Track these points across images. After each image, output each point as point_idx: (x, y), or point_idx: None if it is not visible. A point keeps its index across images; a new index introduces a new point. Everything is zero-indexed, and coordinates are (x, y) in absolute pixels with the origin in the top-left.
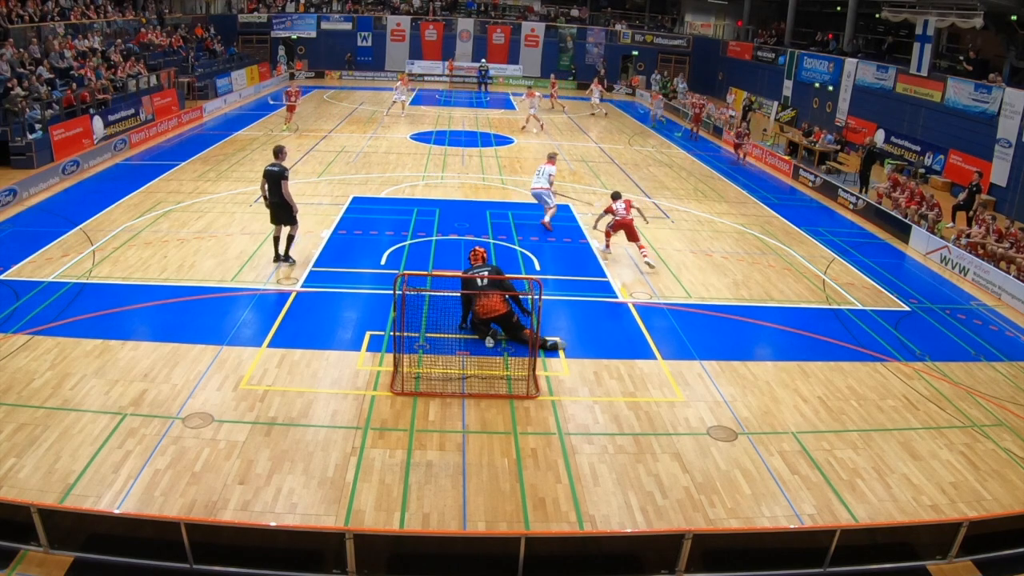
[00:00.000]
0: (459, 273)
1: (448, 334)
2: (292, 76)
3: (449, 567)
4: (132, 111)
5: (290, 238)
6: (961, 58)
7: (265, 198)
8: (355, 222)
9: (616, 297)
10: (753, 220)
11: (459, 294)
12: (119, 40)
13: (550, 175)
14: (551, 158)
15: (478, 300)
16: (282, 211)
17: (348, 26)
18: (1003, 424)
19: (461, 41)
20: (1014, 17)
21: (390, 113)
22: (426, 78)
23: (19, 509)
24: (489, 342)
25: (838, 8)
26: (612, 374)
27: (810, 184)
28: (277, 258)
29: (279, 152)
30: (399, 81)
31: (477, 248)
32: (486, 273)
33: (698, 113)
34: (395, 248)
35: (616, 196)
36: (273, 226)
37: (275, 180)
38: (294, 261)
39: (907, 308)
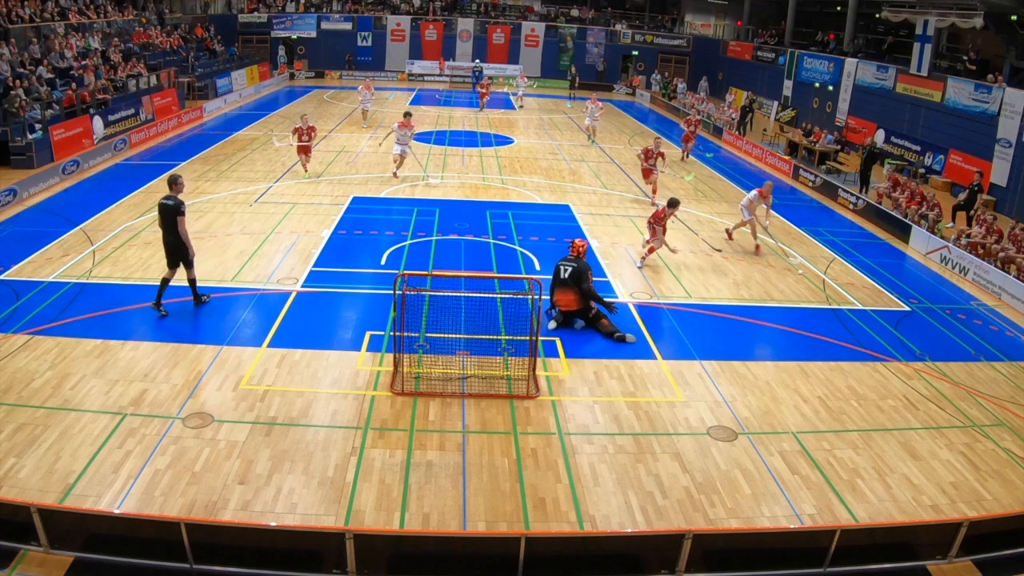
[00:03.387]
0: (465, 272)
1: (448, 334)
2: (292, 76)
3: (449, 567)
4: (132, 111)
5: (192, 281)
6: (964, 58)
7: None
8: (355, 222)
9: (616, 297)
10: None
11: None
12: (116, 39)
13: (750, 199)
14: (766, 186)
15: (557, 290)
16: (178, 252)
17: (348, 26)
18: (1003, 424)
19: (461, 41)
20: (1014, 17)
21: (368, 124)
22: (426, 78)
23: (19, 509)
24: (551, 324)
25: (838, 8)
26: (612, 374)
27: (810, 184)
28: (158, 304)
29: (174, 182)
30: (361, 86)
31: (576, 240)
32: (571, 269)
33: (692, 131)
34: (395, 248)
35: (673, 204)
36: (168, 270)
37: (170, 216)
38: (209, 296)
39: (907, 308)
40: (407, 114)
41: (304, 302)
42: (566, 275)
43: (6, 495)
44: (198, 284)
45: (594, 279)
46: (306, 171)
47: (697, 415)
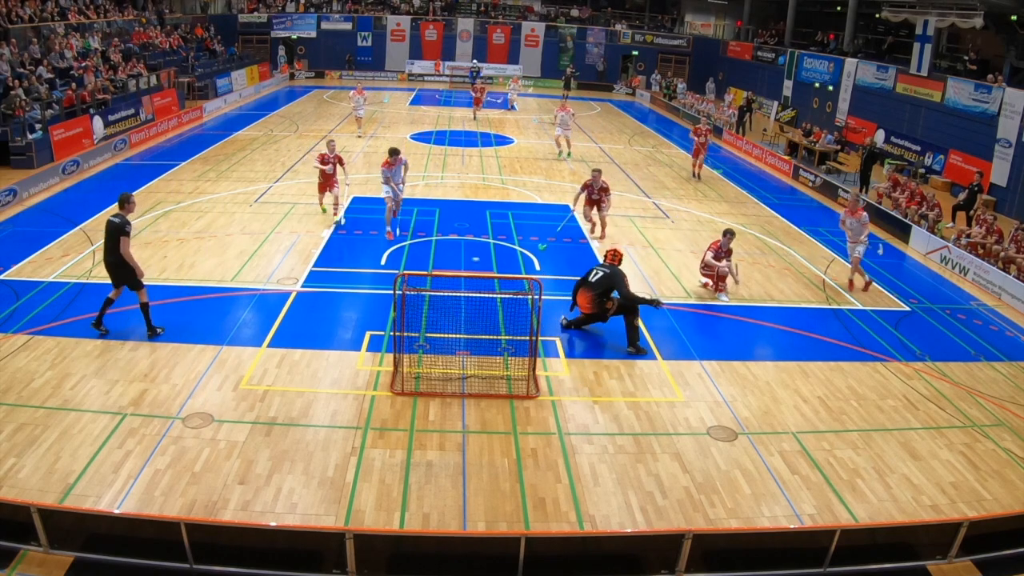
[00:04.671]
0: (465, 272)
1: (448, 334)
2: (292, 76)
3: (449, 567)
4: (132, 111)
5: (144, 306)
6: (964, 58)
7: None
8: (355, 222)
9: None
10: (753, 220)
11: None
12: (116, 39)
13: (842, 221)
14: (850, 200)
15: (580, 290)
16: (121, 272)
17: (348, 26)
18: (1003, 424)
19: (461, 41)
20: (1014, 17)
21: (362, 132)
22: (426, 78)
23: (19, 509)
24: (562, 320)
25: (838, 8)
26: (612, 374)
27: (810, 184)
28: (98, 323)
29: (126, 201)
30: (354, 92)
31: (610, 250)
32: (602, 274)
33: (703, 141)
34: (395, 248)
35: (729, 235)
36: (114, 288)
37: (113, 234)
38: (162, 329)
39: (907, 308)
40: (393, 151)
41: (304, 302)
42: (594, 279)
43: (6, 495)
44: (201, 284)
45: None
46: (322, 205)
47: (697, 415)
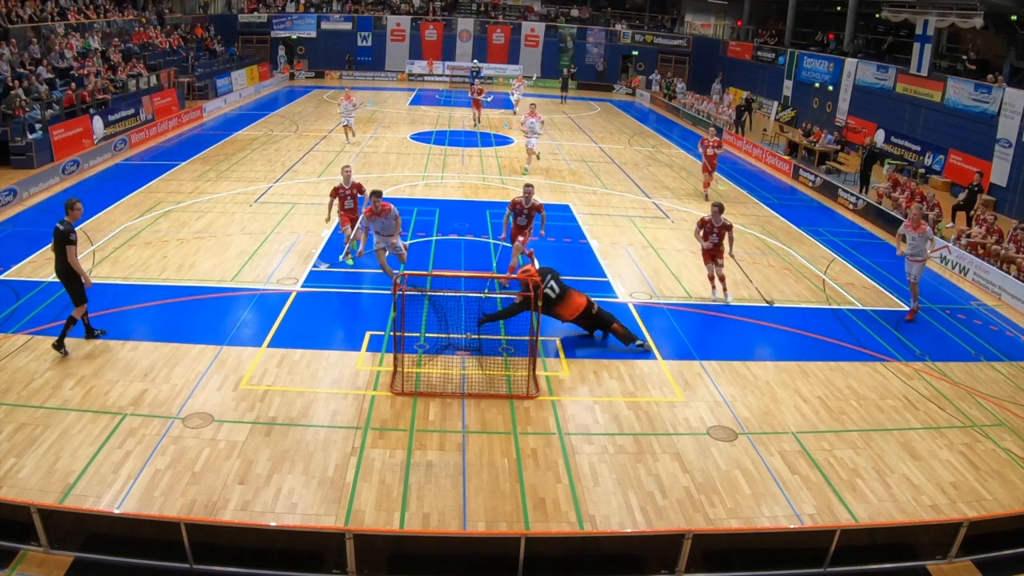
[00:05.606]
0: (464, 273)
1: (448, 334)
2: (292, 76)
3: (449, 567)
4: (132, 111)
5: (71, 320)
6: (964, 58)
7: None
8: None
9: (616, 297)
10: (753, 220)
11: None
12: (116, 39)
13: (902, 237)
14: (911, 216)
15: (558, 308)
16: (67, 282)
17: (348, 26)
18: (1003, 424)
19: (461, 41)
20: (1014, 17)
21: (351, 141)
22: (426, 78)
23: (19, 509)
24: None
25: (838, 8)
26: (612, 374)
27: (810, 184)
28: (89, 334)
29: (71, 207)
30: (343, 98)
31: (524, 270)
32: (553, 280)
33: (714, 155)
34: None
35: (717, 208)
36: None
37: (58, 242)
38: (66, 352)
39: (907, 308)
40: (375, 193)
41: (304, 302)
42: (556, 291)
43: (6, 495)
44: (201, 284)
45: (593, 279)
46: (347, 251)
47: (697, 415)
